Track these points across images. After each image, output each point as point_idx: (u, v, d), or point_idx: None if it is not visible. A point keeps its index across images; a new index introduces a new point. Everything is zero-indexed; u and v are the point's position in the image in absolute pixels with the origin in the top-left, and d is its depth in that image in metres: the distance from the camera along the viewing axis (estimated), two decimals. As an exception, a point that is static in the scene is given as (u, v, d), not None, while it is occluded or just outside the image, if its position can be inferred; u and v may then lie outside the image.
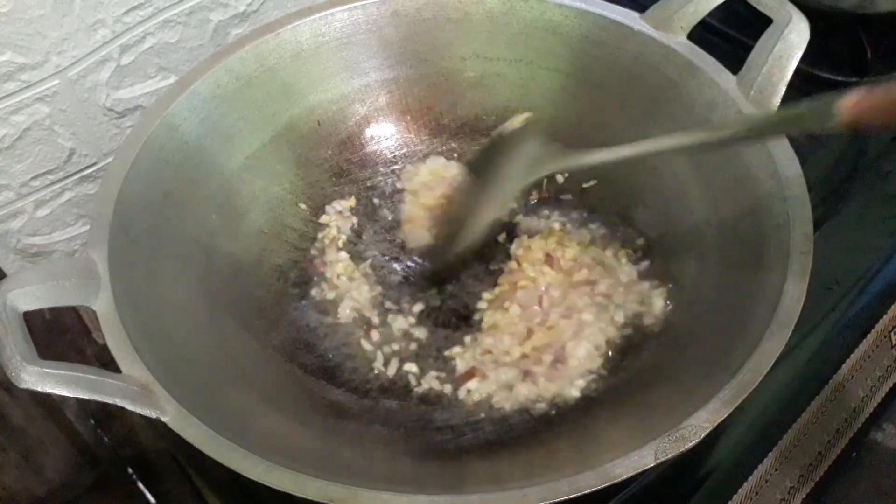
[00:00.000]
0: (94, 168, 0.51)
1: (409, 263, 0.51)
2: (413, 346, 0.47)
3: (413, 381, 0.45)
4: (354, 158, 0.55)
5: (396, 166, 0.55)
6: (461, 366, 0.45)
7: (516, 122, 0.49)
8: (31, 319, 0.35)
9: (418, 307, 0.48)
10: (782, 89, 0.43)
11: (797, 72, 0.43)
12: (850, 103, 0.28)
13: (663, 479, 0.41)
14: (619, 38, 0.49)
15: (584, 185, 0.53)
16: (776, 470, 0.44)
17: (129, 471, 0.46)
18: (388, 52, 0.53)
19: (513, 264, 0.49)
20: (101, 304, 0.37)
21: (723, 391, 0.33)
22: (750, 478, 0.43)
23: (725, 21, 0.62)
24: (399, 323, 0.48)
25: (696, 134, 0.41)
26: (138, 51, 0.49)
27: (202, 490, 0.44)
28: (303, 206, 0.52)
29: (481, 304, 0.48)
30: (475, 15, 0.52)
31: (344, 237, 0.52)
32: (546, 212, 0.52)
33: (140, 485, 0.46)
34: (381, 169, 0.55)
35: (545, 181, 0.53)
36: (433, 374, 0.45)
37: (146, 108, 0.51)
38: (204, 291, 0.44)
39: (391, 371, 0.45)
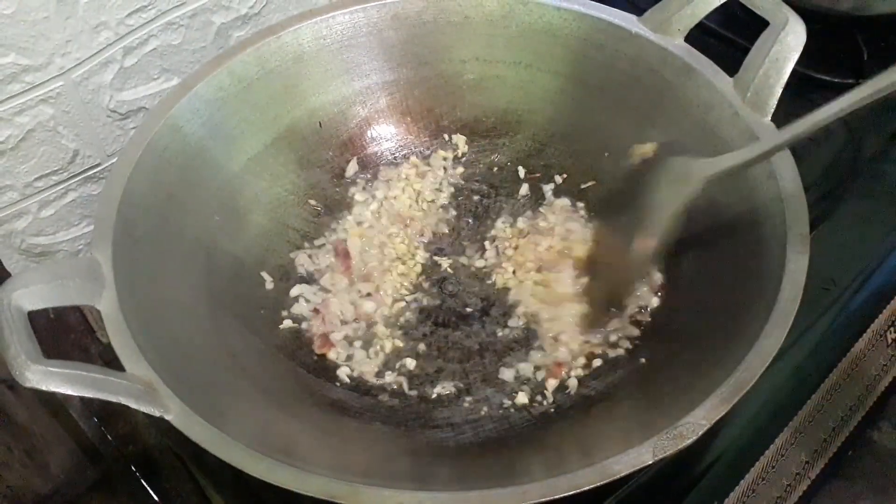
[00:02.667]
0: (98, 169, 0.51)
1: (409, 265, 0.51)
2: (414, 344, 0.47)
3: (413, 381, 0.45)
4: (356, 160, 0.55)
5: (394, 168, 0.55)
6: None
7: (646, 150, 0.46)
8: (36, 319, 0.35)
9: (418, 306, 0.49)
10: (779, 91, 0.44)
11: (794, 74, 0.44)
12: None
13: (661, 475, 0.42)
14: (617, 40, 0.50)
15: (583, 186, 0.53)
16: (773, 467, 0.44)
17: (133, 468, 0.47)
18: (389, 55, 0.54)
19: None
20: (105, 304, 0.37)
21: (720, 389, 0.34)
22: (747, 475, 0.43)
23: (722, 24, 0.63)
24: (400, 321, 0.48)
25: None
26: (141, 53, 0.49)
27: (205, 487, 0.44)
28: (304, 206, 0.53)
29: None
30: (475, 18, 0.53)
31: (345, 237, 0.52)
32: (543, 212, 0.53)
33: (143, 482, 0.46)
34: (382, 169, 0.55)
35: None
36: (433, 371, 0.46)
37: (149, 109, 0.51)
38: (206, 291, 0.44)
39: (392, 369, 0.46)
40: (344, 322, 0.48)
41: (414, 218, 0.53)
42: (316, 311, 0.48)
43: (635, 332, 0.45)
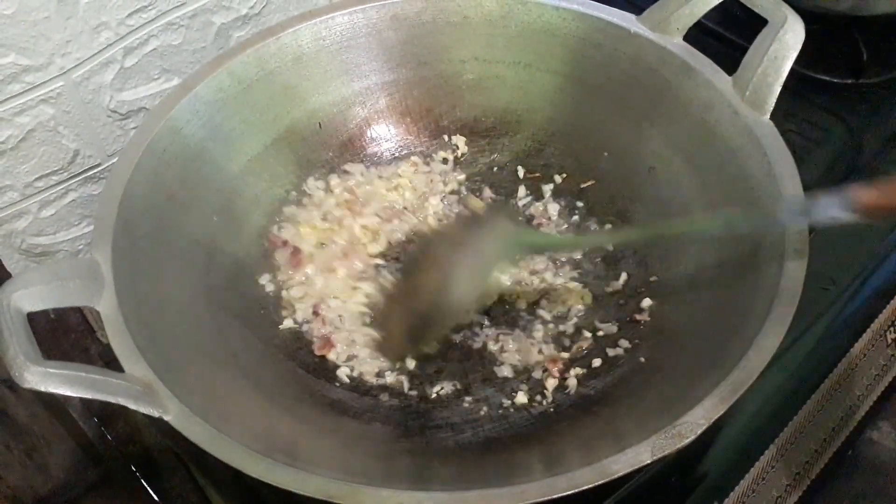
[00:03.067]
0: (98, 169, 0.51)
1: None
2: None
3: (413, 380, 0.45)
4: (355, 160, 0.55)
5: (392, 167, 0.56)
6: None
7: (474, 204, 0.50)
8: (36, 319, 0.35)
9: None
10: (777, 90, 0.44)
11: (792, 73, 0.44)
12: (865, 198, 0.32)
13: (660, 475, 0.42)
14: (616, 40, 0.50)
15: (583, 186, 0.53)
16: (773, 467, 0.44)
17: (133, 469, 0.47)
18: (388, 56, 0.54)
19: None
20: (105, 305, 0.37)
21: (719, 388, 0.34)
22: (747, 475, 0.43)
23: (721, 23, 0.63)
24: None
25: (712, 220, 0.41)
26: (141, 53, 0.49)
27: (205, 487, 0.45)
28: (292, 199, 0.52)
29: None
30: (474, 18, 0.53)
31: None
32: (542, 210, 0.53)
33: (143, 482, 0.46)
34: (382, 169, 0.55)
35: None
36: (433, 371, 0.46)
37: (149, 110, 0.51)
38: (206, 291, 0.44)
39: (392, 369, 0.46)
40: (342, 321, 0.48)
41: (415, 219, 0.53)
42: (315, 312, 0.48)
43: (613, 329, 0.46)
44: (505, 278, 0.48)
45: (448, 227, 0.49)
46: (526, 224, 0.48)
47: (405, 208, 0.53)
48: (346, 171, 0.54)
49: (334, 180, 0.53)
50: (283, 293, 0.49)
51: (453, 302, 0.43)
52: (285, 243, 0.50)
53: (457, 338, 0.47)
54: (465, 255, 0.43)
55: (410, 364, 0.46)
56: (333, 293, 0.48)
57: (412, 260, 0.48)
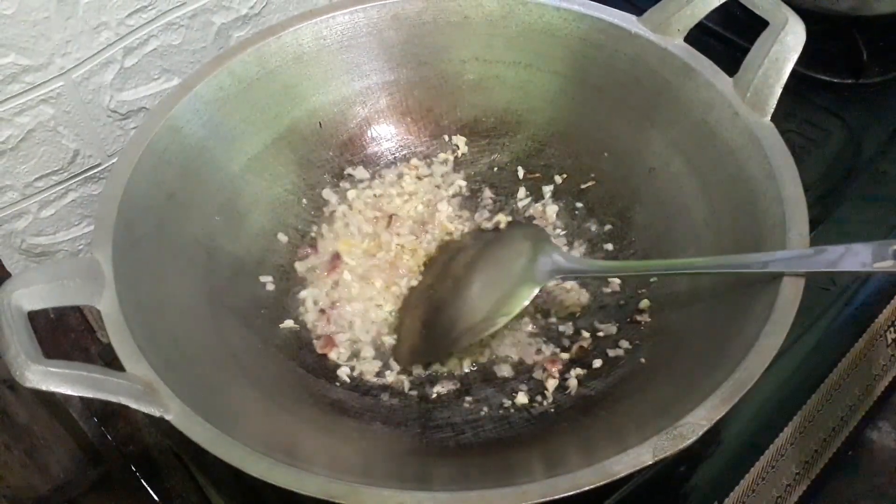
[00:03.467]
0: (98, 169, 0.51)
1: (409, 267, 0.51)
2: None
3: (414, 381, 0.45)
4: (356, 160, 0.55)
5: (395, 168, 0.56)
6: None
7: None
8: (36, 319, 0.35)
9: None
10: (778, 91, 0.44)
11: (793, 74, 0.44)
12: None
13: (661, 476, 0.42)
14: (617, 40, 0.50)
15: (583, 186, 0.53)
16: (773, 467, 0.44)
17: (133, 468, 0.47)
18: (389, 55, 0.54)
19: None
20: (105, 304, 0.37)
21: (720, 389, 0.34)
22: (747, 475, 0.43)
23: (722, 24, 0.63)
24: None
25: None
26: (141, 53, 0.49)
27: (205, 487, 0.45)
28: (304, 206, 0.53)
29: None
30: (474, 18, 0.53)
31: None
32: (541, 210, 0.53)
33: (143, 482, 0.46)
34: (382, 171, 0.55)
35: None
36: (433, 371, 0.46)
37: (149, 110, 0.51)
38: (207, 291, 0.44)
39: (392, 369, 0.46)
40: (351, 325, 0.48)
41: (416, 220, 0.53)
42: (322, 311, 0.48)
43: (613, 329, 0.46)
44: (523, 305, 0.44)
45: (472, 242, 0.49)
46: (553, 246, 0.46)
47: (416, 221, 0.53)
48: (355, 178, 0.54)
49: (352, 194, 0.53)
50: (298, 293, 0.49)
51: (468, 324, 0.43)
52: (314, 248, 0.50)
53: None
54: (486, 277, 0.44)
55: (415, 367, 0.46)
56: (364, 300, 0.48)
57: (433, 270, 0.49)
